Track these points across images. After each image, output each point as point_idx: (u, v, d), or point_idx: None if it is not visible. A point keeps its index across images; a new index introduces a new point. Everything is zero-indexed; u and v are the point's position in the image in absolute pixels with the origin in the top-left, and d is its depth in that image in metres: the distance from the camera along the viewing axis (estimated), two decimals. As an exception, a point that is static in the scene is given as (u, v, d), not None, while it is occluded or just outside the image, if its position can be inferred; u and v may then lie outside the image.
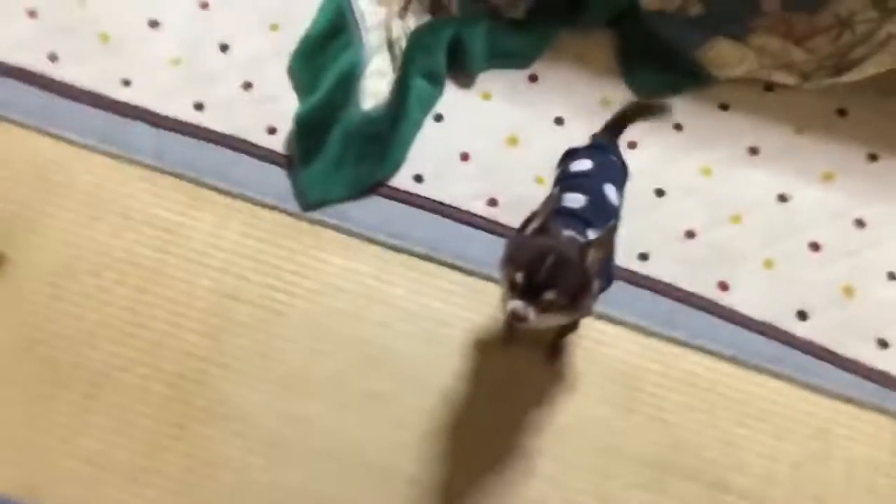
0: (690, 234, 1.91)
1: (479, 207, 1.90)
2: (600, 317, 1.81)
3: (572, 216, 1.42)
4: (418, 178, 1.92)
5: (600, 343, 1.81)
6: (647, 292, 1.86)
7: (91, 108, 1.94)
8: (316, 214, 1.87)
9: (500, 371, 1.75)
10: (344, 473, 1.65)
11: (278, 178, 1.90)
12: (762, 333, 1.83)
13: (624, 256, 1.85)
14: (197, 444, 1.66)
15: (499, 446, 1.70)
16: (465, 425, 1.70)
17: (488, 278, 1.81)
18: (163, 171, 1.89)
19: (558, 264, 1.26)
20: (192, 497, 1.62)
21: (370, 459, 1.66)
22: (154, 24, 2.04)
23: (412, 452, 1.67)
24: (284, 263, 1.83)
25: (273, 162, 1.92)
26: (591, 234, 1.39)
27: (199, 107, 1.95)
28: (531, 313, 1.27)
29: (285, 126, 1.93)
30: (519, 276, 1.27)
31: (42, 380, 1.69)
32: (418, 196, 1.90)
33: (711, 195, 1.93)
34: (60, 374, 1.69)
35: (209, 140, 1.92)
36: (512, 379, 1.75)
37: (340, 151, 1.88)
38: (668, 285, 1.86)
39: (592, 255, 1.30)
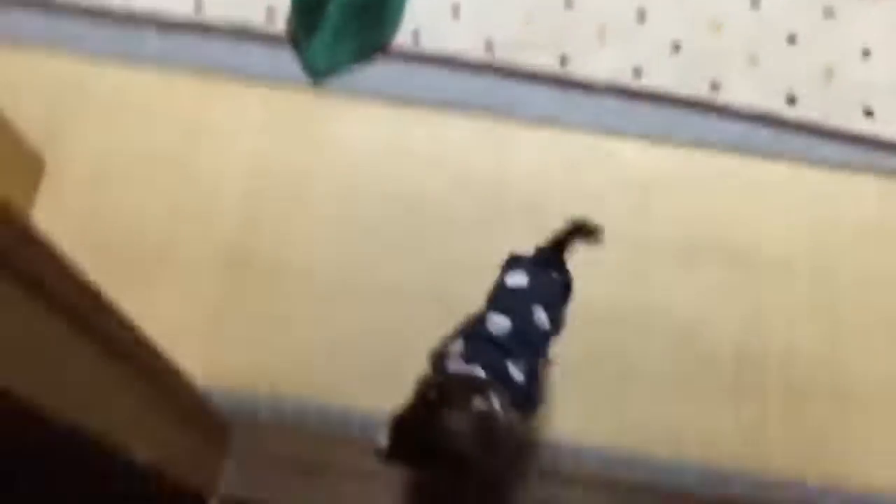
0: (677, 46, 2.03)
1: (479, 54, 2.01)
2: (610, 133, 1.95)
3: (490, 343, 1.35)
4: (416, 34, 2.03)
5: (612, 156, 1.94)
6: (646, 105, 1.99)
7: (98, 20, 2.01)
8: (327, 85, 1.97)
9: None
10: (396, 304, 1.77)
11: (285, 58, 2.00)
12: (757, 122, 1.97)
13: (619, 74, 1.99)
14: (259, 300, 1.77)
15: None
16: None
17: (498, 119, 1.94)
18: (174, 70, 1.97)
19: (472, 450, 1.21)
20: (264, 345, 1.73)
21: (417, 290, 1.78)
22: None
23: (455, 282, 1.79)
24: (306, 135, 1.93)
25: (277, 43, 2.01)
26: (510, 365, 1.33)
27: (198, 6, 2.04)
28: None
29: (283, 7, 2.03)
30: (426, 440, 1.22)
31: (102, 270, 1.78)
32: (419, 52, 2.01)
33: (690, 9, 2.07)
34: (117, 262, 1.79)
35: (213, 32, 2.01)
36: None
37: (339, 22, 1.98)
38: (664, 94, 1.99)
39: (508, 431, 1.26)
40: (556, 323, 1.44)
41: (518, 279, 1.43)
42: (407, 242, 1.83)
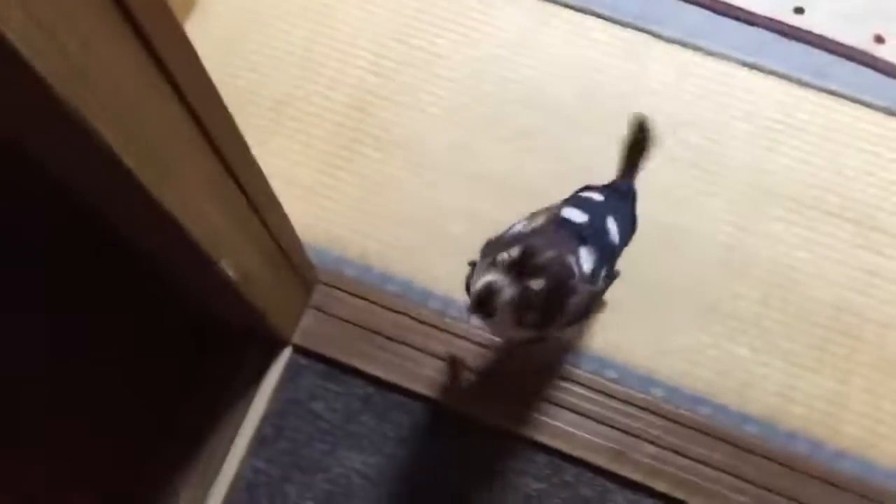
0: (846, -10, 1.90)
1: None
2: (751, 67, 1.85)
3: (569, 227, 1.31)
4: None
5: (750, 92, 1.85)
6: (801, 45, 1.87)
7: None
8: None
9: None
10: (500, 195, 1.76)
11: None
12: (918, 85, 1.83)
13: (778, 9, 1.87)
14: (367, 166, 1.80)
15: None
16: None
17: (639, 30, 1.87)
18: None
19: (548, 271, 1.17)
20: (363, 210, 1.76)
21: (523, 184, 1.76)
22: None
23: (562, 182, 1.76)
24: (447, 15, 1.92)
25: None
26: (584, 253, 1.28)
27: None
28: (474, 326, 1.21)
29: None
30: (514, 252, 1.17)
31: (236, 108, 1.83)
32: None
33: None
34: (239, 107, 1.84)
35: None
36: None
37: None
38: (823, 38, 1.87)
39: (578, 294, 1.22)
40: (619, 247, 1.41)
41: (592, 194, 1.42)
42: (518, 139, 1.81)
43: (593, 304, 1.41)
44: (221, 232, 1.11)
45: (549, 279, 1.17)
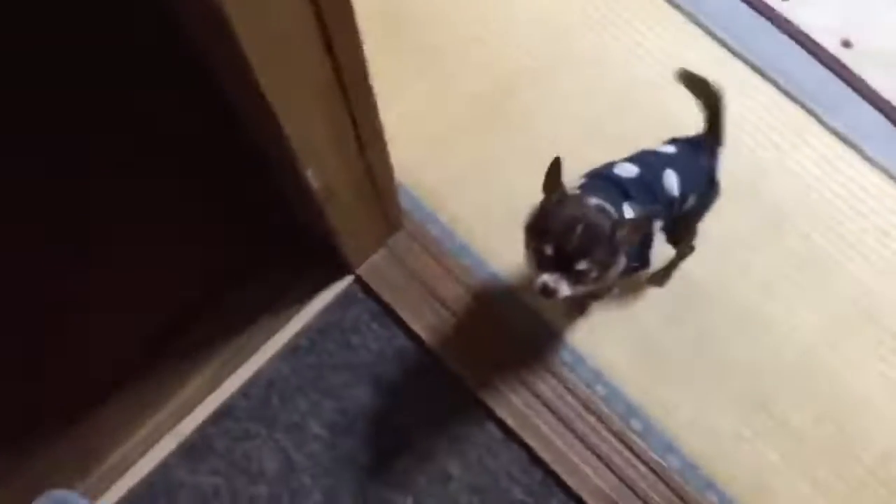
0: None
1: None
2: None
3: (611, 182, 1.34)
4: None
5: (893, 213, 1.75)
6: None
7: None
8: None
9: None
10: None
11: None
12: None
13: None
14: (492, 140, 1.83)
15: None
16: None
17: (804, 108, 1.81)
18: None
19: (588, 234, 1.21)
20: (471, 179, 1.78)
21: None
22: None
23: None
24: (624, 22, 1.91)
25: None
26: (627, 208, 1.30)
27: None
28: (563, 286, 1.23)
29: None
30: (549, 249, 1.22)
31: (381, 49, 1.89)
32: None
33: None
34: (400, 40, 1.90)
35: None
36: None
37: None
38: None
39: (622, 233, 1.24)
40: (689, 202, 1.41)
41: (665, 147, 1.42)
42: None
43: (647, 243, 1.40)
44: (317, 142, 1.16)
45: (591, 253, 1.22)
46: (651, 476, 1.56)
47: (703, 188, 1.44)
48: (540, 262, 1.25)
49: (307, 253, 1.67)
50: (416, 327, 1.66)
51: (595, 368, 1.63)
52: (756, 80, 1.86)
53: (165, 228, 1.66)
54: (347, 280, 1.69)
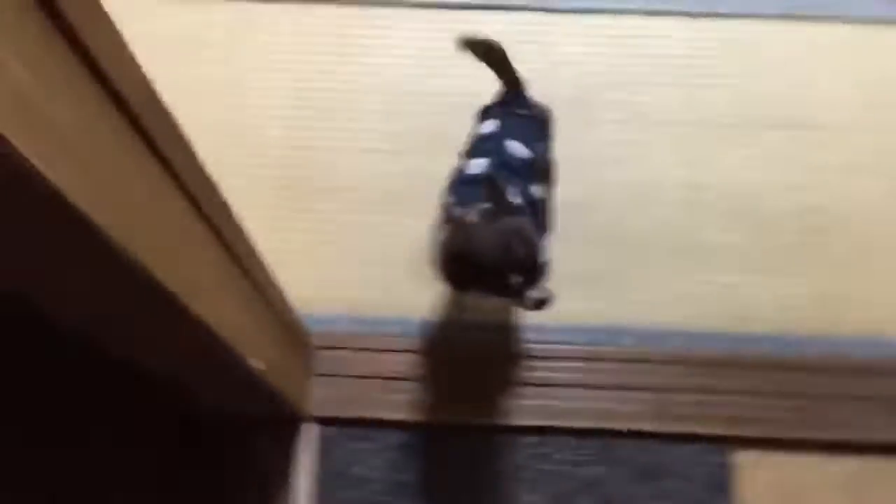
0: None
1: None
2: (650, 14, 1.90)
3: (474, 183, 1.35)
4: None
5: (655, 36, 1.90)
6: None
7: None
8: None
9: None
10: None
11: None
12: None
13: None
14: (321, 219, 1.76)
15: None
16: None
17: (536, 13, 1.91)
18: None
19: (523, 239, 1.22)
20: (331, 263, 1.72)
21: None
22: None
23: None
24: (345, 50, 1.90)
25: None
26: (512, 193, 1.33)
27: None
28: (545, 289, 1.21)
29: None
30: (514, 278, 1.19)
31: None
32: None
33: None
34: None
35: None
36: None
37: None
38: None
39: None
40: (539, 154, 1.44)
41: (488, 126, 1.45)
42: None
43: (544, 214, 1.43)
44: (244, 327, 1.06)
45: (531, 245, 1.22)
46: (666, 367, 1.61)
47: (540, 132, 1.48)
48: (510, 290, 1.22)
49: (255, 432, 1.53)
50: (395, 415, 1.59)
51: (566, 326, 1.64)
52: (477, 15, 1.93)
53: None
54: (310, 428, 1.58)
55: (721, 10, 1.92)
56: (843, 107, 1.83)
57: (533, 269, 1.22)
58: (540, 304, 1.19)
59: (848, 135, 1.80)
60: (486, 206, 1.26)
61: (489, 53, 1.45)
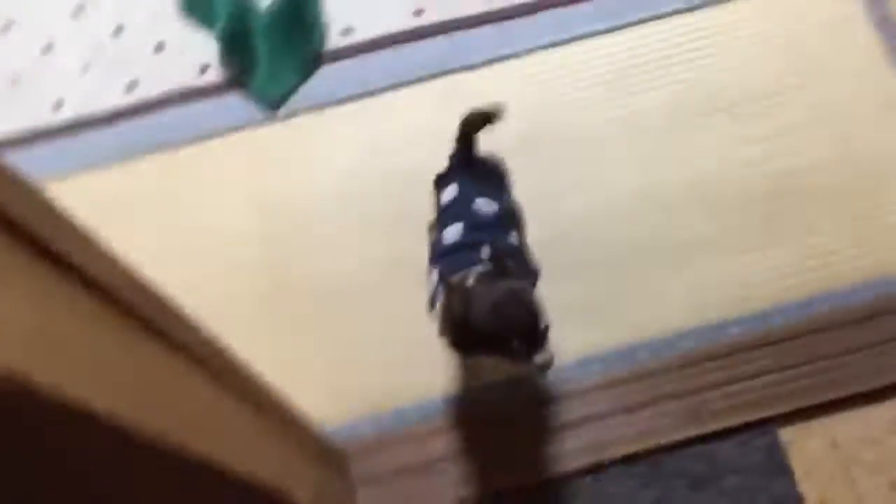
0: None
1: (410, 20, 2.03)
2: (554, 46, 1.97)
3: (455, 251, 1.40)
4: (347, 31, 2.03)
5: (568, 65, 1.96)
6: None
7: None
8: (286, 111, 1.96)
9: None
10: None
11: (235, 103, 1.99)
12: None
13: None
14: (304, 325, 1.77)
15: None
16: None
17: (452, 74, 1.97)
18: (136, 159, 1.95)
19: (521, 302, 1.24)
20: (331, 367, 1.72)
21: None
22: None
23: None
24: (287, 165, 1.93)
25: (223, 92, 2.00)
26: (484, 253, 1.36)
27: (132, 85, 2.01)
28: (548, 352, 1.24)
29: (214, 58, 2.01)
30: (515, 343, 1.22)
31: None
32: (357, 44, 2.01)
33: None
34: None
35: (156, 108, 1.99)
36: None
37: (270, 48, 1.98)
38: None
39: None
40: (505, 204, 1.47)
41: (449, 192, 1.47)
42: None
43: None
44: (284, 465, 1.06)
45: (529, 307, 1.24)
46: (683, 371, 1.63)
47: (501, 184, 1.52)
48: (514, 354, 1.24)
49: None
50: (451, 498, 1.57)
51: (578, 360, 1.65)
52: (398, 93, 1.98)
53: None
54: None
55: (629, 19, 1.98)
56: (768, 75, 1.89)
57: (534, 332, 1.23)
58: (544, 367, 1.23)
59: (781, 98, 1.86)
60: (482, 269, 1.28)
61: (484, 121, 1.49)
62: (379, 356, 1.72)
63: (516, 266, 1.37)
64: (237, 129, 1.95)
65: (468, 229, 1.41)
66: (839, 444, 1.54)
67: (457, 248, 1.40)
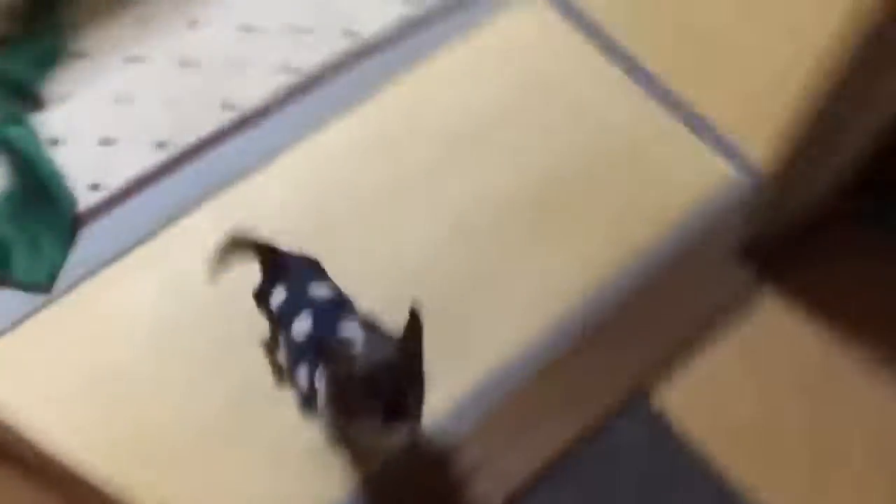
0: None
1: (156, 158, 1.98)
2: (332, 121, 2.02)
3: (315, 342, 1.37)
4: (94, 186, 1.93)
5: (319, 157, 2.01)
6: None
7: None
8: (62, 286, 1.82)
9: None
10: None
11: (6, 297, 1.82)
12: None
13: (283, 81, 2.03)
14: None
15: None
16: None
17: (222, 188, 1.94)
18: None
19: (385, 369, 1.23)
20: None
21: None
22: None
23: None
24: (86, 339, 1.78)
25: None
26: (345, 328, 1.37)
27: None
28: (415, 424, 1.27)
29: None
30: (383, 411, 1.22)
31: None
32: (107, 199, 1.93)
33: None
34: None
35: None
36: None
37: (20, 233, 1.83)
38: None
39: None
40: (335, 287, 1.49)
41: (279, 295, 1.46)
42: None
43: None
44: None
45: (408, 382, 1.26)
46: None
47: (321, 271, 1.52)
48: (406, 410, 1.25)
49: None
50: None
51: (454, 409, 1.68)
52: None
53: None
54: None
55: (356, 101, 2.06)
56: (494, 99, 2.06)
57: (400, 401, 1.24)
58: (412, 431, 1.28)
59: (516, 117, 2.04)
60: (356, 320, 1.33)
61: (256, 248, 1.50)
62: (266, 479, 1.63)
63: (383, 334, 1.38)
64: (19, 323, 1.79)
65: (317, 317, 1.38)
66: (697, 387, 1.70)
67: (314, 338, 1.36)
